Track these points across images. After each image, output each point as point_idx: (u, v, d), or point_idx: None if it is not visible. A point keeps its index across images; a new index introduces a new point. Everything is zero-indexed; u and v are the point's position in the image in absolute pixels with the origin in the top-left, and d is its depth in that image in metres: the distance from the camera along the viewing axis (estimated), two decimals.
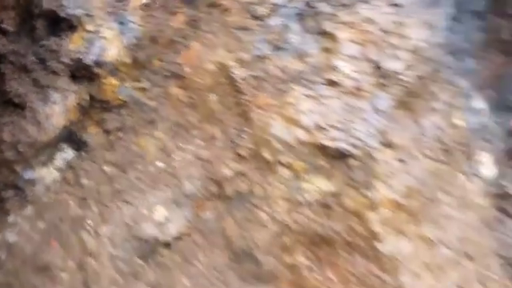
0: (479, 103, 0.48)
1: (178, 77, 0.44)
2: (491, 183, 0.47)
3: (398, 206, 0.39)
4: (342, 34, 0.42)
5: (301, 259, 0.41)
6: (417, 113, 0.42)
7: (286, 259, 0.41)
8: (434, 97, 0.43)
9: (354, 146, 0.39)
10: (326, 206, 0.40)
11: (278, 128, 0.40)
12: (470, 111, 0.47)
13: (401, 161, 0.39)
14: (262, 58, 0.43)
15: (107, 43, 0.44)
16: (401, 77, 0.42)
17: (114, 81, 0.44)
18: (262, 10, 0.44)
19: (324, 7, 0.43)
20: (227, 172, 0.42)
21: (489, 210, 0.46)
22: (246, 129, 0.42)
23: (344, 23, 0.42)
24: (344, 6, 0.43)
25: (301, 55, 0.41)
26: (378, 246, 0.39)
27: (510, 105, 0.50)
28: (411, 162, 0.40)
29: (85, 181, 0.43)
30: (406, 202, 0.39)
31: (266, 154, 0.40)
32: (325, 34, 0.42)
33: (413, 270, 0.39)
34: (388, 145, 0.40)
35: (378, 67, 0.40)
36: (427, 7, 0.45)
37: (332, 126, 0.39)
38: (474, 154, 0.47)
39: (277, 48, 0.42)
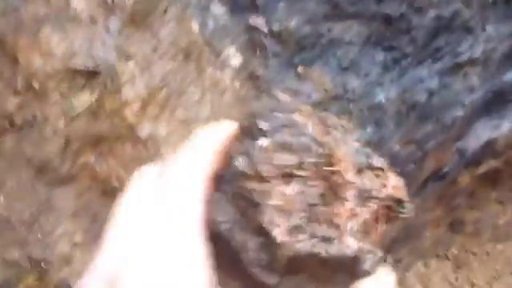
0: (217, 9, 0.64)
1: None
2: (240, 70, 0.64)
3: (146, 101, 0.56)
4: None
5: (89, 158, 0.57)
6: (150, 28, 0.57)
7: (78, 161, 0.57)
8: (167, 12, 0.59)
9: (100, 63, 0.54)
10: (93, 113, 0.55)
11: (38, 63, 0.53)
12: (210, 17, 0.63)
13: (141, 67, 0.55)
14: (16, 8, 0.55)
15: None
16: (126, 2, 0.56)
17: None
18: None
19: None
20: (12, 106, 0.55)
21: (243, 89, 0.64)
22: (17, 69, 0.55)
23: None
24: None
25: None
26: (139, 133, 0.56)
27: (245, 5, 0.67)
28: (152, 66, 0.56)
29: None
30: (154, 97, 0.56)
31: (37, 85, 0.54)
32: None
33: (171, 144, 0.57)
34: (127, 57, 0.55)
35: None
36: None
37: (79, 52, 0.54)
38: (221, 51, 0.63)
39: None
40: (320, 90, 0.70)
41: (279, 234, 0.26)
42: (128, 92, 0.52)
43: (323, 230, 0.28)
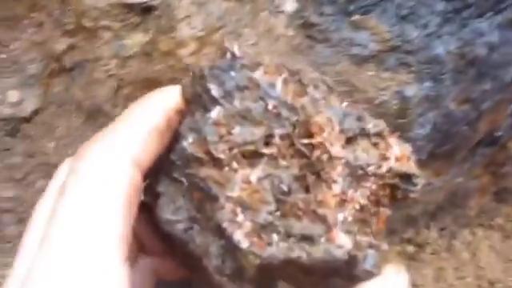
0: None
1: None
2: (294, 16, 0.60)
3: (202, 41, 0.52)
4: None
5: None
6: None
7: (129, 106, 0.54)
8: None
9: None
10: (146, 54, 0.52)
11: None
12: None
13: (197, 4, 0.51)
14: None
15: None
16: None
17: None
18: None
19: None
20: (61, 48, 0.52)
21: (297, 38, 0.61)
22: (66, 7, 0.51)
23: None
24: None
25: None
26: None
27: None
28: (208, 4, 0.52)
29: None
30: (209, 37, 0.53)
31: (88, 24, 0.51)
32: None
33: None
34: None
35: None
36: None
37: None
38: None
39: None
40: (377, 40, 0.67)
41: (242, 237, 0.20)
42: (184, 31, 0.48)
43: (303, 225, 0.21)
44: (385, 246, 0.23)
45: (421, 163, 0.81)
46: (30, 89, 0.51)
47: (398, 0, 0.68)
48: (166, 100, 0.23)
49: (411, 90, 0.71)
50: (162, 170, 0.23)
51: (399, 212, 0.84)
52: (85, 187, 0.20)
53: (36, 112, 0.52)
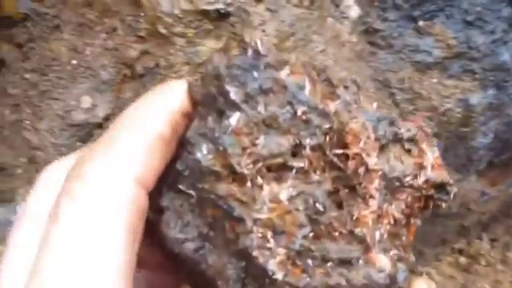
0: None
1: None
2: (358, 22, 0.60)
3: (276, 48, 0.51)
4: None
5: None
6: None
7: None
8: None
9: (229, 5, 0.50)
10: None
11: (165, 4, 0.50)
12: None
13: (271, 10, 0.51)
14: None
15: None
16: None
17: None
18: None
19: None
20: (133, 54, 0.52)
21: (359, 44, 0.60)
22: (139, 13, 0.51)
23: None
24: None
25: None
26: None
27: None
28: (280, 11, 0.52)
29: (12, 91, 0.53)
30: (281, 43, 0.52)
31: (162, 30, 0.51)
32: None
33: None
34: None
35: None
36: None
37: None
38: (340, 0, 0.59)
39: None
40: (441, 46, 0.65)
41: (276, 267, 0.17)
42: (258, 36, 0.48)
43: (340, 248, 0.18)
44: (412, 258, 0.21)
45: (478, 173, 0.79)
46: (102, 95, 0.51)
47: (464, 5, 0.66)
48: (171, 101, 0.19)
49: (475, 98, 0.69)
50: (164, 180, 0.20)
51: (452, 222, 0.81)
52: (82, 214, 0.17)
53: (107, 118, 0.52)
